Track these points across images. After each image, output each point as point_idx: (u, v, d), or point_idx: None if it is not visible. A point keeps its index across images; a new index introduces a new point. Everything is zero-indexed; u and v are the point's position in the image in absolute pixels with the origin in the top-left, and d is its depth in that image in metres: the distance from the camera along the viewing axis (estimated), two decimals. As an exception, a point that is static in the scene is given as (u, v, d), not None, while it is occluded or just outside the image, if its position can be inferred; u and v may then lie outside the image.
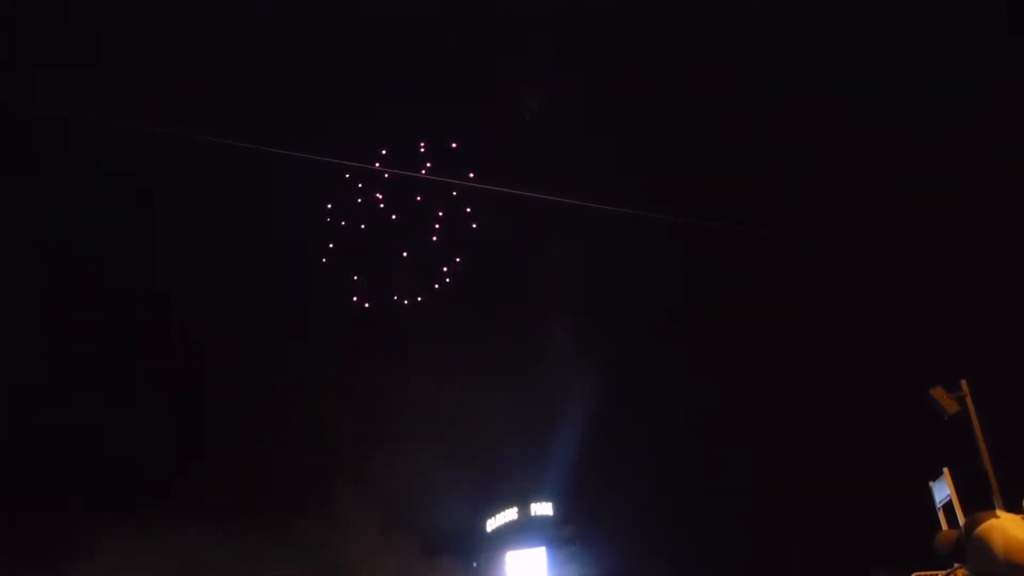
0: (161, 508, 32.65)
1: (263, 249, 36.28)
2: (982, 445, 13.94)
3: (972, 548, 3.72)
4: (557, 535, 46.42)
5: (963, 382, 14.40)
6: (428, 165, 36.17)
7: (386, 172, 35.52)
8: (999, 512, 3.80)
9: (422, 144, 35.77)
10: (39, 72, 27.93)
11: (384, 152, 35.32)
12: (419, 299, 39.02)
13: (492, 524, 48.65)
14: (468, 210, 37.89)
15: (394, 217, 37.47)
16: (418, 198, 37.39)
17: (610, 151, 34.05)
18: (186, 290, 35.63)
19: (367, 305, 38.88)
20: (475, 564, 47.72)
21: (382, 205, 37.26)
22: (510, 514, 48.11)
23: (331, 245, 38.15)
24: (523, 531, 47.18)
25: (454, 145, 35.83)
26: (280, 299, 37.72)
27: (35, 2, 28.95)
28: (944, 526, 12.90)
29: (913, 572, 14.00)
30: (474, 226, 38.18)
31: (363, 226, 37.74)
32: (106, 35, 30.02)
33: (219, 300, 35.33)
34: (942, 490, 13.42)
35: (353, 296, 38.82)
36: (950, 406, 14.11)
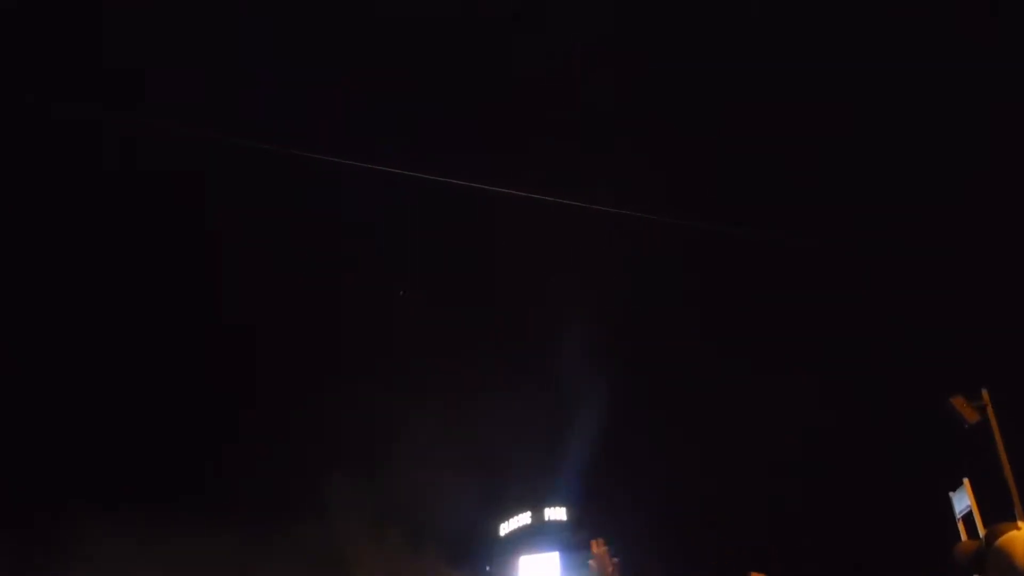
0: (159, 507, 32.63)
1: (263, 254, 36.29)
2: (1003, 455, 13.71)
3: (993, 560, 3.63)
4: (570, 540, 46.19)
5: (984, 391, 14.17)
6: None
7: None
8: (1020, 523, 3.70)
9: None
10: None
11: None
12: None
13: (505, 528, 48.53)
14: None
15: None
16: None
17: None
18: (189, 294, 35.76)
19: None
20: (488, 568, 47.63)
21: None
22: (523, 518, 47.99)
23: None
24: (536, 535, 47.04)
25: None
26: (281, 303, 37.77)
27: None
28: (964, 537, 12.70)
29: (932, 583, 13.78)
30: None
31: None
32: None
33: (223, 305, 35.38)
34: (962, 501, 13.23)
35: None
36: (971, 415, 13.88)
